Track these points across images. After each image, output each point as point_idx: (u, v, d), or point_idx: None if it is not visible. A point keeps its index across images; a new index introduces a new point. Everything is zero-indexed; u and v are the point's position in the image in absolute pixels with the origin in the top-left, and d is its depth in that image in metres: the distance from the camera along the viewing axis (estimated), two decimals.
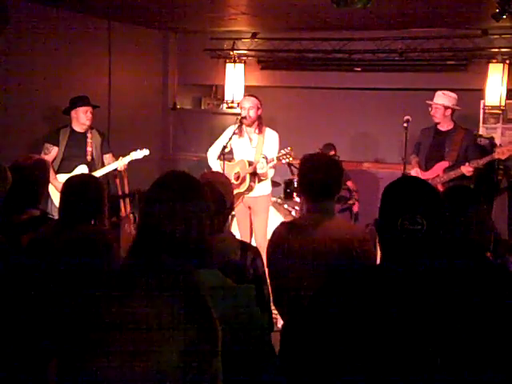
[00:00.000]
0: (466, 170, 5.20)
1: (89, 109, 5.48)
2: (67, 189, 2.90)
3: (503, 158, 5.28)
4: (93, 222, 2.83)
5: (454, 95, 5.42)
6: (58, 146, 5.46)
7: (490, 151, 5.69)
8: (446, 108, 5.38)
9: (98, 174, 5.29)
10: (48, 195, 5.40)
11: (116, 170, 5.61)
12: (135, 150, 5.64)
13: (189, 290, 0.77)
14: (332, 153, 6.41)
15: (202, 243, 1.59)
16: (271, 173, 5.26)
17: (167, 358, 0.71)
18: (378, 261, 1.91)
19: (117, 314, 0.72)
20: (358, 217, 6.44)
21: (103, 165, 5.60)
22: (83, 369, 0.70)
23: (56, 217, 3.06)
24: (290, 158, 5.04)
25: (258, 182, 5.28)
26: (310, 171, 2.79)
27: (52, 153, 5.44)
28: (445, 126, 5.46)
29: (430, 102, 5.47)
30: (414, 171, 5.45)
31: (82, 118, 5.46)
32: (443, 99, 5.39)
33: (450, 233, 2.26)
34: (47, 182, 3.42)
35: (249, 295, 1.51)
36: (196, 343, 0.74)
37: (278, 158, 5.04)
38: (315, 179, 2.74)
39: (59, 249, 2.67)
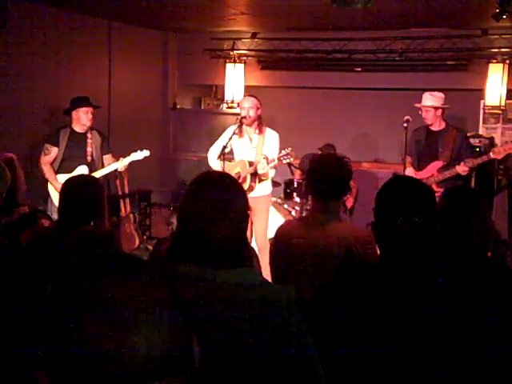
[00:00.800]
0: (462, 169, 5.17)
1: (89, 109, 5.43)
2: (67, 189, 2.89)
3: (499, 157, 5.26)
4: (92, 223, 2.82)
5: (441, 95, 5.38)
6: (57, 146, 5.43)
7: (488, 151, 5.67)
8: (436, 109, 5.35)
9: (98, 174, 5.28)
10: (48, 195, 5.40)
11: (116, 170, 5.60)
12: (135, 150, 5.62)
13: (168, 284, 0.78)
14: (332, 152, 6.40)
15: (243, 242, 1.57)
16: (272, 173, 5.25)
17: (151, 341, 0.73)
18: None
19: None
20: (353, 211, 6.42)
21: (103, 165, 5.57)
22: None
23: (56, 217, 3.05)
24: (291, 159, 5.03)
25: (259, 182, 5.27)
26: (319, 171, 2.79)
27: (52, 153, 5.42)
28: (436, 126, 5.42)
29: (418, 105, 5.42)
30: (408, 171, 5.43)
31: (82, 119, 5.42)
32: (432, 101, 5.35)
33: (450, 233, 2.27)
34: (18, 178, 3.30)
35: (288, 295, 1.49)
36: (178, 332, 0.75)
37: (279, 159, 5.03)
38: (324, 179, 2.75)
39: (63, 249, 2.65)
